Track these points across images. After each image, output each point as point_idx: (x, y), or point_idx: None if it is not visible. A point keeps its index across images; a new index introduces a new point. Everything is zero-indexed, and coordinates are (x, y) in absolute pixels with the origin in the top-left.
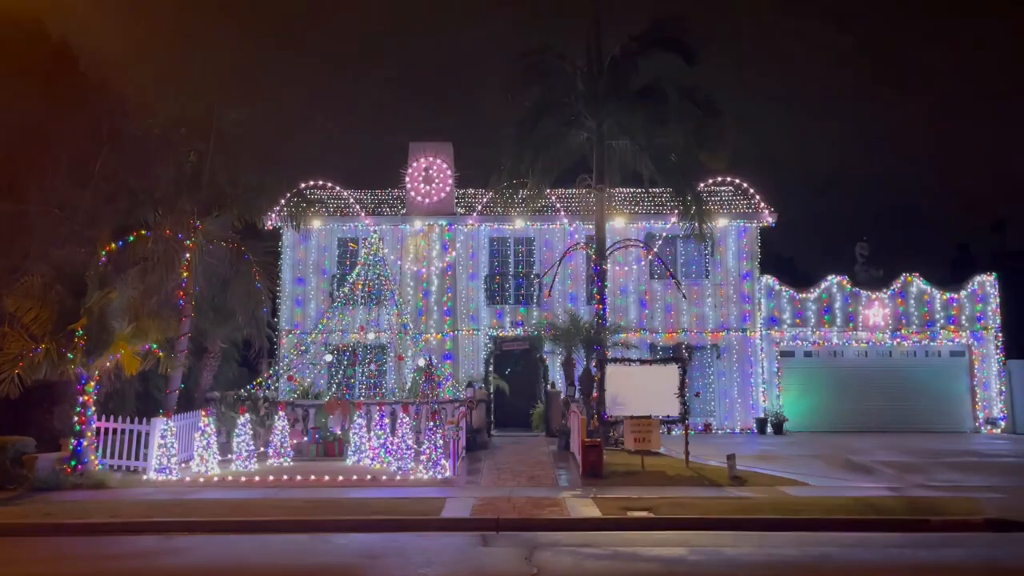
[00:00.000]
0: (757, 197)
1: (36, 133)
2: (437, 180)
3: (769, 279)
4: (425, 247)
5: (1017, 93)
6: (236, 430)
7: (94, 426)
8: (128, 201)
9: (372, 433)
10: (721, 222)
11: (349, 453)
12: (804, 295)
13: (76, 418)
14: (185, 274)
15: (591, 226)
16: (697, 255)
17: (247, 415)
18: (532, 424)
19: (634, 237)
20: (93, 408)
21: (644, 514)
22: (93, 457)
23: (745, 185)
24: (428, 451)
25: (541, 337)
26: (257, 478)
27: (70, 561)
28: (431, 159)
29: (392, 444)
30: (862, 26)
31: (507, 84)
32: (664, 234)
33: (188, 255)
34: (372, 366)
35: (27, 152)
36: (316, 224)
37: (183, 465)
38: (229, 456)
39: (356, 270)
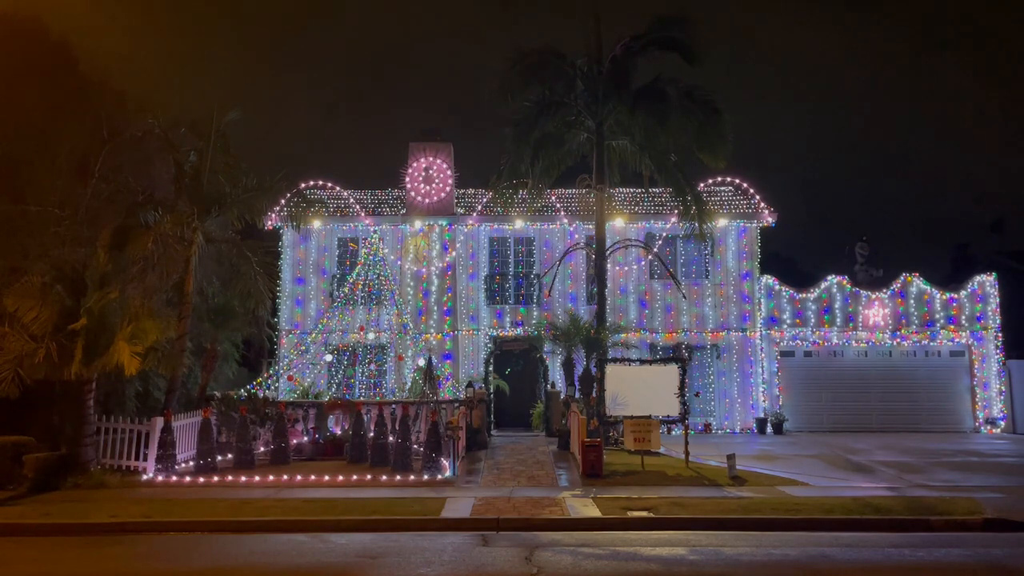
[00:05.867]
0: (757, 197)
1: (36, 133)
2: (437, 180)
3: (769, 279)
4: (425, 247)
5: (1018, 92)
6: (236, 430)
7: (94, 426)
8: (128, 201)
9: (372, 433)
10: (721, 222)
11: (349, 453)
12: (804, 295)
13: (76, 418)
14: (185, 274)
15: (591, 226)
16: (697, 255)
17: (247, 415)
18: (532, 424)
19: (634, 237)
20: (93, 408)
21: (644, 514)
22: (93, 457)
23: (745, 185)
24: (428, 451)
25: (541, 337)
26: (257, 478)
27: (70, 561)
28: (431, 159)
29: (392, 444)
30: (862, 26)
31: (507, 84)
32: (664, 234)
33: (188, 255)
34: (372, 366)
35: (27, 152)
36: (316, 224)
37: (183, 465)
38: (228, 456)
39: (356, 270)
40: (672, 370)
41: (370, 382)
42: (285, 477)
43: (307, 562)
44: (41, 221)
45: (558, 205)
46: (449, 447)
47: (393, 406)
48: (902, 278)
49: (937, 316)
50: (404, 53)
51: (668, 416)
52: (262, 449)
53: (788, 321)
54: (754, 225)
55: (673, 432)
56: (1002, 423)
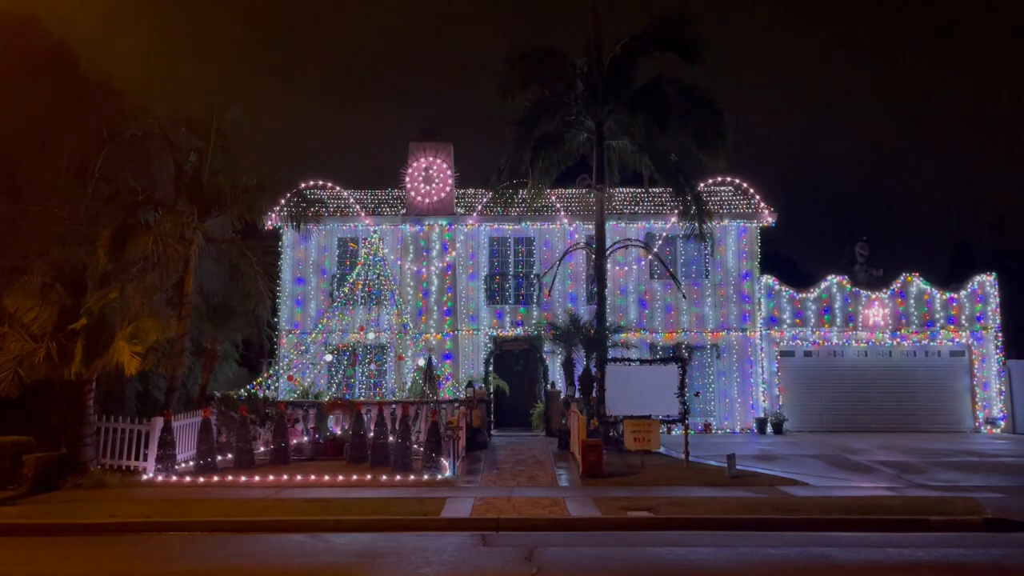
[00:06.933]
0: (757, 197)
1: (36, 133)
2: (437, 180)
3: (769, 279)
4: (425, 247)
5: (1017, 91)
6: (236, 430)
7: (94, 426)
8: (128, 201)
9: (372, 433)
10: (721, 222)
11: (349, 453)
12: (804, 295)
13: (76, 418)
14: (185, 274)
15: (591, 226)
16: (697, 255)
17: (247, 415)
18: (532, 424)
19: (634, 237)
20: (93, 408)
21: (644, 514)
22: (93, 457)
23: (745, 185)
24: (428, 451)
25: (541, 337)
26: (257, 478)
27: (70, 561)
28: (431, 159)
29: (392, 444)
30: (861, 25)
31: (507, 84)
32: (664, 234)
33: (188, 255)
34: (372, 366)
35: (27, 152)
36: (316, 224)
37: (183, 465)
38: (228, 456)
39: (356, 270)
40: (672, 370)
41: (370, 382)
42: (285, 477)
43: (307, 562)
44: (41, 221)
45: (558, 205)
46: (449, 447)
47: (393, 406)
48: (902, 278)
49: (937, 316)
50: (404, 53)
51: (668, 416)
52: (262, 449)
53: (788, 321)
54: (754, 225)
55: (673, 432)
56: (1002, 423)
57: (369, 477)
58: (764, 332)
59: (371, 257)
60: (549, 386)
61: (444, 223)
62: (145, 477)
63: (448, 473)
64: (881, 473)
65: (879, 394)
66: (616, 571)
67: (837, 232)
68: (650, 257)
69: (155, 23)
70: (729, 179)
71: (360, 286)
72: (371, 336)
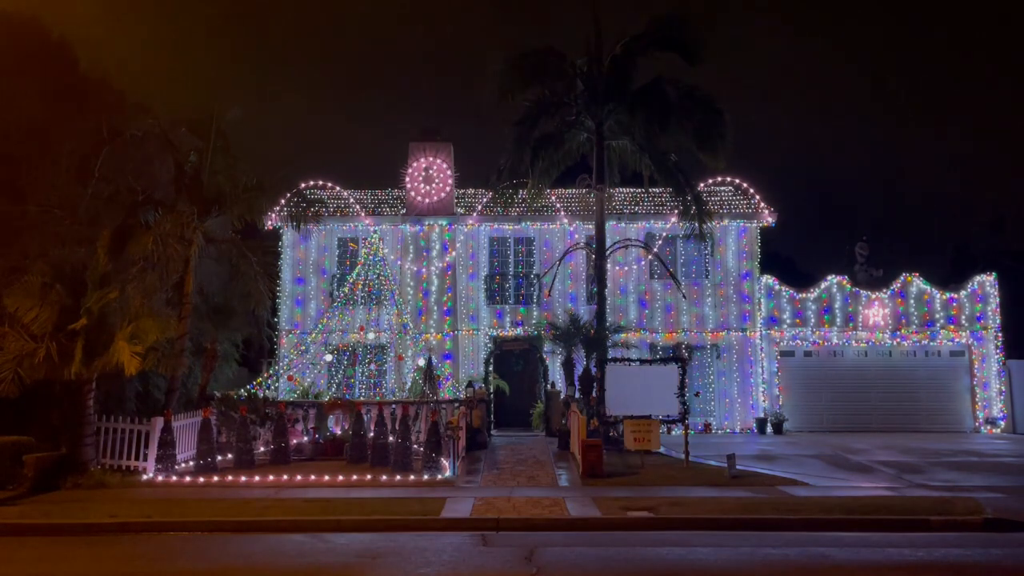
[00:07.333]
0: (757, 197)
1: (36, 133)
2: (437, 180)
3: (769, 279)
4: (425, 247)
5: (1016, 90)
6: (236, 430)
7: (94, 426)
8: (128, 201)
9: (372, 433)
10: (721, 222)
11: (349, 453)
12: (804, 295)
13: (76, 418)
14: (185, 274)
15: (591, 226)
16: (697, 255)
17: (247, 415)
18: (532, 424)
19: (634, 237)
20: (93, 408)
21: (644, 514)
22: (93, 457)
23: (745, 185)
24: (428, 451)
25: (541, 337)
26: (257, 478)
27: (70, 561)
28: (431, 159)
29: (392, 444)
30: (859, 24)
31: (507, 84)
32: (664, 234)
33: (188, 255)
34: (372, 366)
35: (27, 152)
36: (316, 224)
37: (183, 465)
38: (228, 456)
39: (356, 270)
40: (672, 370)
41: (370, 382)
42: (285, 477)
43: (307, 562)
44: (41, 221)
45: (558, 205)
46: (449, 447)
47: (393, 406)
48: (902, 278)
49: (937, 316)
50: (404, 53)
51: (668, 416)
52: (262, 449)
53: (788, 321)
54: (754, 225)
55: (673, 432)
56: (1002, 423)
57: (369, 477)
58: (764, 332)
59: (371, 257)
60: (549, 386)
61: (444, 223)
62: (145, 477)
63: (448, 473)
64: (881, 473)
65: (879, 394)
66: (616, 571)
67: (837, 232)
68: (650, 257)
69: (155, 24)
70: (729, 179)
71: (360, 286)
72: (371, 336)
